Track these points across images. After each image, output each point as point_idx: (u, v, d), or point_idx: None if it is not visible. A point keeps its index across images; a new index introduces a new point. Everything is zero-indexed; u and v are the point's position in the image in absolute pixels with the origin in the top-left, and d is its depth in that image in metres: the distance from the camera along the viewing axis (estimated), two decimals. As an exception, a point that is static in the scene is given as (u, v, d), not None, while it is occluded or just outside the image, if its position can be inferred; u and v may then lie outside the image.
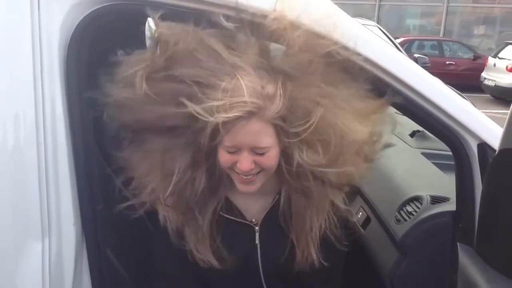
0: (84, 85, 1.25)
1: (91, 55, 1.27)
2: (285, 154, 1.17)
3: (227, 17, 1.15)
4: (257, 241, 1.31)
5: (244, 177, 1.18)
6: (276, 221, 1.30)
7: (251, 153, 1.14)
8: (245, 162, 1.14)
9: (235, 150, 1.14)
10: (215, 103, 1.07)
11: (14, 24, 1.17)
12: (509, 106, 1.16)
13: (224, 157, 1.16)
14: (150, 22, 1.22)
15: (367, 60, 1.26)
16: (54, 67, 1.20)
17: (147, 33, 1.27)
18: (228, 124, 1.08)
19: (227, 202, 1.30)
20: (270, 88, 1.09)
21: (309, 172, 1.18)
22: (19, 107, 1.18)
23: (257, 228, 1.31)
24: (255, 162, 1.15)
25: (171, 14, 1.18)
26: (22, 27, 1.17)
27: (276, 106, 1.09)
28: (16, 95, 1.18)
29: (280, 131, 1.13)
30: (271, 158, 1.16)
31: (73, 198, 1.24)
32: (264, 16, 1.13)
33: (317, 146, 1.15)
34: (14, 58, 1.18)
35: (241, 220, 1.31)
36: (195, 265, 1.30)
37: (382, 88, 1.28)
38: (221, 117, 1.06)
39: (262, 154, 1.15)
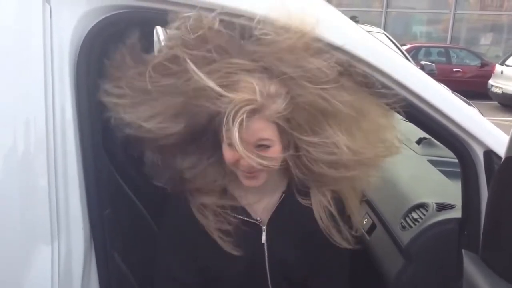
0: (94, 92, 1.27)
1: (101, 62, 1.29)
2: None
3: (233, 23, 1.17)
4: (263, 240, 1.32)
5: (247, 174, 1.21)
6: (283, 220, 1.32)
7: (253, 149, 1.17)
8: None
9: None
10: (223, 99, 1.12)
11: (26, 31, 1.20)
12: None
13: (228, 154, 1.20)
14: (159, 29, 1.24)
15: (373, 67, 1.27)
16: (65, 73, 1.22)
17: (156, 39, 1.29)
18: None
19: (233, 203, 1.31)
20: (272, 89, 1.14)
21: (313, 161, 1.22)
22: (29, 112, 1.20)
23: (264, 227, 1.32)
24: None
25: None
26: (33, 34, 1.19)
27: (278, 106, 1.14)
28: (27, 101, 1.20)
29: (283, 130, 1.17)
30: (274, 154, 1.19)
31: (81, 203, 1.25)
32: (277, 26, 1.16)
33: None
34: (25, 64, 1.19)
35: (247, 219, 1.32)
36: (201, 266, 1.32)
37: (389, 95, 1.29)
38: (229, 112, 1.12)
39: (264, 151, 1.18)
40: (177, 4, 1.22)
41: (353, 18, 8.09)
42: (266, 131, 1.16)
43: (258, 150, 1.17)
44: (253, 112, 1.12)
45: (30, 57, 1.19)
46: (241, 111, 1.11)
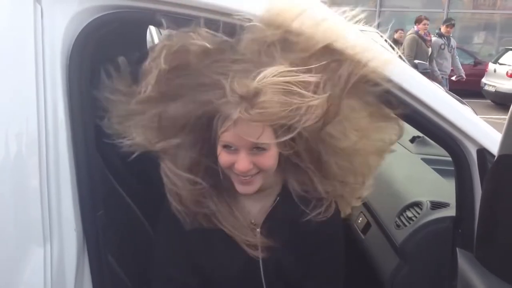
0: (86, 92, 1.26)
1: (94, 62, 1.28)
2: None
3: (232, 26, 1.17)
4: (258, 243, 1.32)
5: (242, 178, 1.20)
6: (278, 222, 1.31)
7: (249, 153, 1.16)
8: (243, 162, 1.16)
9: (234, 149, 1.16)
10: (220, 101, 1.12)
11: (17, 31, 1.19)
12: (508, 111, 1.16)
13: (223, 157, 1.19)
14: (152, 29, 1.24)
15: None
16: (57, 74, 1.21)
17: (149, 39, 1.28)
18: (228, 122, 1.12)
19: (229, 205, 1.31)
20: None
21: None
22: (21, 114, 1.19)
23: (258, 229, 1.32)
24: (253, 163, 1.17)
25: (173, 22, 1.19)
26: (25, 34, 1.18)
27: (274, 109, 1.11)
28: (18, 102, 1.19)
29: (279, 133, 1.15)
30: (269, 158, 1.18)
31: (74, 204, 1.25)
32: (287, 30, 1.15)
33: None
34: (17, 64, 1.19)
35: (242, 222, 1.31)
36: (196, 266, 1.31)
37: (384, 95, 1.29)
38: (223, 113, 1.12)
39: (260, 154, 1.17)
40: (170, 4, 1.21)
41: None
42: (262, 135, 1.14)
43: (253, 153, 1.17)
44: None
45: (21, 57, 1.19)
46: (239, 112, 1.10)
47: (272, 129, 1.15)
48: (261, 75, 1.10)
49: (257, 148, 1.16)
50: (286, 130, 1.14)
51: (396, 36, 9.53)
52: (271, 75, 1.10)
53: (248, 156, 1.16)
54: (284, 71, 1.11)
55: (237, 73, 1.13)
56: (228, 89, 1.11)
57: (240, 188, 1.23)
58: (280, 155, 1.22)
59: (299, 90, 1.10)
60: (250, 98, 1.09)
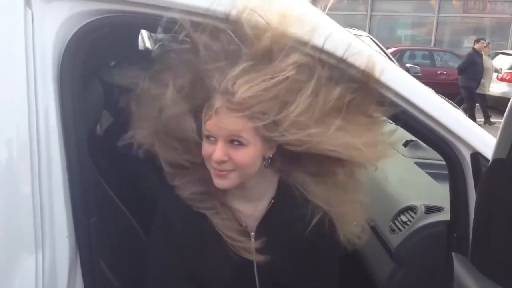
0: (78, 97, 1.25)
1: (85, 67, 1.27)
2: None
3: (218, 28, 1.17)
4: (252, 247, 1.31)
5: (218, 171, 1.20)
6: (272, 226, 1.31)
7: (227, 144, 1.17)
8: (218, 151, 1.17)
9: (214, 139, 1.18)
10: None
11: (7, 37, 1.18)
12: (500, 114, 1.17)
13: (204, 147, 1.21)
14: (144, 33, 1.23)
15: (359, 69, 1.27)
16: (48, 79, 1.20)
17: (141, 43, 1.27)
18: (210, 111, 1.16)
19: (221, 207, 1.30)
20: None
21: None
22: (12, 119, 1.18)
23: (252, 233, 1.31)
24: (229, 156, 1.18)
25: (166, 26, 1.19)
26: (16, 39, 1.17)
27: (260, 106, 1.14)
28: (9, 107, 1.18)
29: (261, 129, 1.17)
30: (246, 155, 1.19)
31: (66, 211, 1.24)
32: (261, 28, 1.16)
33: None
34: (7, 70, 1.18)
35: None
36: (190, 270, 1.31)
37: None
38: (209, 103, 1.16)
39: (237, 148, 1.17)
40: (160, 8, 1.21)
41: None
42: (241, 128, 1.16)
43: (232, 145, 1.18)
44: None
45: (12, 63, 1.18)
46: (221, 102, 1.13)
47: (254, 126, 1.16)
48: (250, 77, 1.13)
49: (236, 142, 1.17)
50: (268, 129, 1.16)
51: (477, 46, 9.30)
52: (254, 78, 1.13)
53: (225, 147, 1.17)
54: (267, 78, 1.13)
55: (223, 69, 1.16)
56: (217, 78, 1.14)
57: (216, 181, 1.23)
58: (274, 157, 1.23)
59: (283, 98, 1.14)
60: (234, 92, 1.12)
